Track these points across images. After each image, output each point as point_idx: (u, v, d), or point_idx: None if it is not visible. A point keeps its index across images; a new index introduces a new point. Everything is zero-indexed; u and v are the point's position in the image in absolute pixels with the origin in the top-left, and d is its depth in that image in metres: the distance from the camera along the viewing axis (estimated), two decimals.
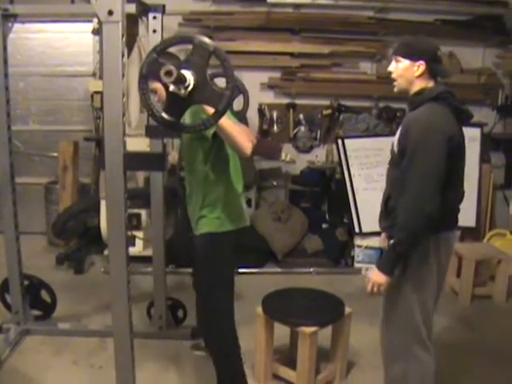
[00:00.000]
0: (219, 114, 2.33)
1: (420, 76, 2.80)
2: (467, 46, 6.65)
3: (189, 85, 2.25)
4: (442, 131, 2.67)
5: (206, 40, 2.25)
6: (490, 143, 6.42)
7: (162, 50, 2.30)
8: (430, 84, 2.82)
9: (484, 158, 6.10)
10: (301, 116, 6.73)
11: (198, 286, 3.32)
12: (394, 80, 2.88)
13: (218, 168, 3.03)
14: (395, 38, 6.39)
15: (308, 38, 6.56)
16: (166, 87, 2.25)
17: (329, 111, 6.66)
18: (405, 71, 2.81)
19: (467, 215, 5.85)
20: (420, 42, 2.82)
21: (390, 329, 2.98)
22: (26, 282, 4.19)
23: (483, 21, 6.50)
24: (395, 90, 2.93)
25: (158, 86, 2.80)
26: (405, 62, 2.80)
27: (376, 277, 2.76)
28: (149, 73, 2.31)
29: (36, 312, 4.33)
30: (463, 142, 2.81)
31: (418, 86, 2.82)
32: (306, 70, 6.58)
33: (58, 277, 5.32)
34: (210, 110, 2.38)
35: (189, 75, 2.25)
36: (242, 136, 2.77)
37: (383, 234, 3.23)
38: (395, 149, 2.84)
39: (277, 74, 6.63)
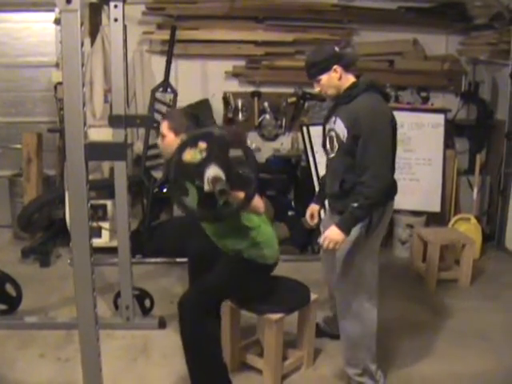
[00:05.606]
0: (250, 197, 2.54)
1: (341, 77, 3.17)
2: (430, 33, 6.71)
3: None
4: (386, 114, 3.12)
5: (222, 131, 2.42)
6: (453, 129, 6.47)
7: (183, 149, 2.45)
8: (350, 77, 3.20)
9: (448, 144, 6.14)
10: (266, 104, 6.69)
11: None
12: (326, 94, 3.27)
13: (249, 217, 3.19)
14: (359, 26, 6.48)
15: (272, 26, 6.53)
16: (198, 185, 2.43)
17: (293, 99, 6.67)
18: (329, 83, 3.19)
19: (432, 200, 5.92)
20: (321, 53, 3.20)
21: (346, 289, 3.31)
22: None
23: (446, 8, 6.55)
24: (329, 98, 3.34)
25: (164, 131, 3.05)
26: (324, 78, 3.18)
27: (334, 235, 3.07)
28: (177, 176, 2.44)
29: (1, 306, 4.28)
30: (395, 121, 3.19)
31: (344, 84, 3.19)
32: (270, 58, 6.57)
33: (24, 270, 5.27)
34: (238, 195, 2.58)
35: (221, 172, 2.33)
36: (259, 203, 2.98)
37: (311, 210, 3.72)
38: (343, 138, 3.15)
39: (241, 63, 6.61)
